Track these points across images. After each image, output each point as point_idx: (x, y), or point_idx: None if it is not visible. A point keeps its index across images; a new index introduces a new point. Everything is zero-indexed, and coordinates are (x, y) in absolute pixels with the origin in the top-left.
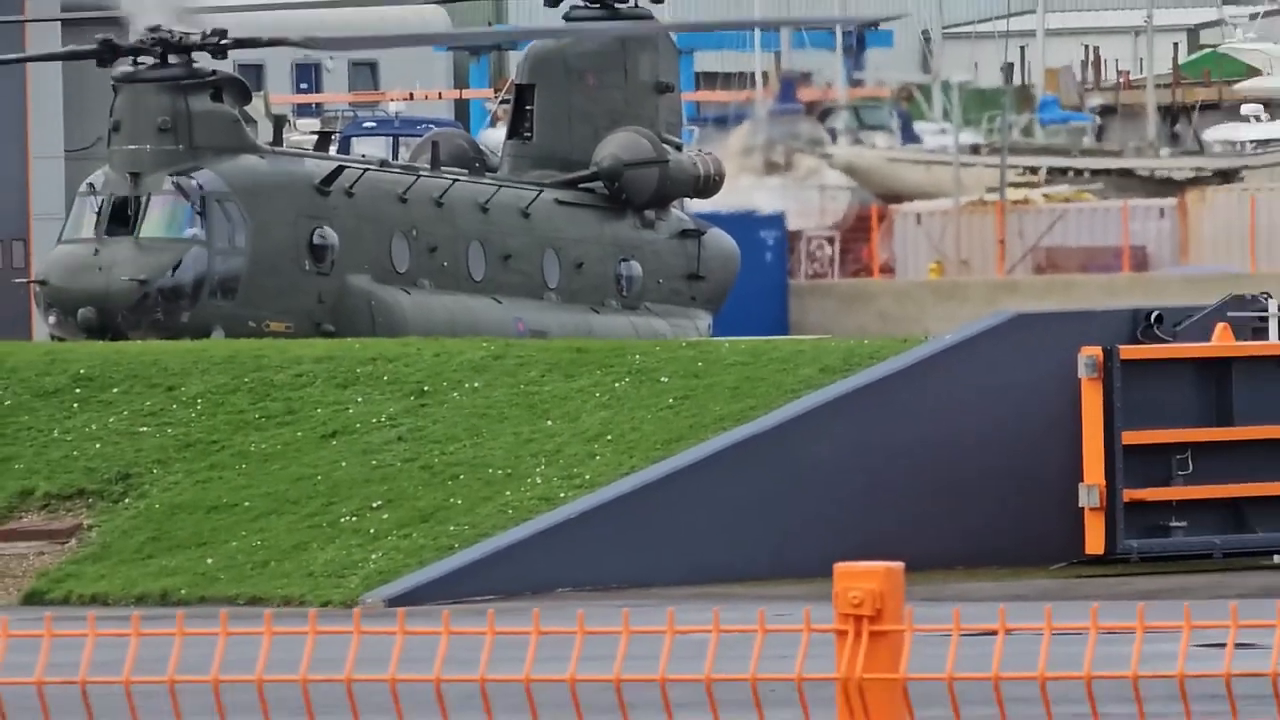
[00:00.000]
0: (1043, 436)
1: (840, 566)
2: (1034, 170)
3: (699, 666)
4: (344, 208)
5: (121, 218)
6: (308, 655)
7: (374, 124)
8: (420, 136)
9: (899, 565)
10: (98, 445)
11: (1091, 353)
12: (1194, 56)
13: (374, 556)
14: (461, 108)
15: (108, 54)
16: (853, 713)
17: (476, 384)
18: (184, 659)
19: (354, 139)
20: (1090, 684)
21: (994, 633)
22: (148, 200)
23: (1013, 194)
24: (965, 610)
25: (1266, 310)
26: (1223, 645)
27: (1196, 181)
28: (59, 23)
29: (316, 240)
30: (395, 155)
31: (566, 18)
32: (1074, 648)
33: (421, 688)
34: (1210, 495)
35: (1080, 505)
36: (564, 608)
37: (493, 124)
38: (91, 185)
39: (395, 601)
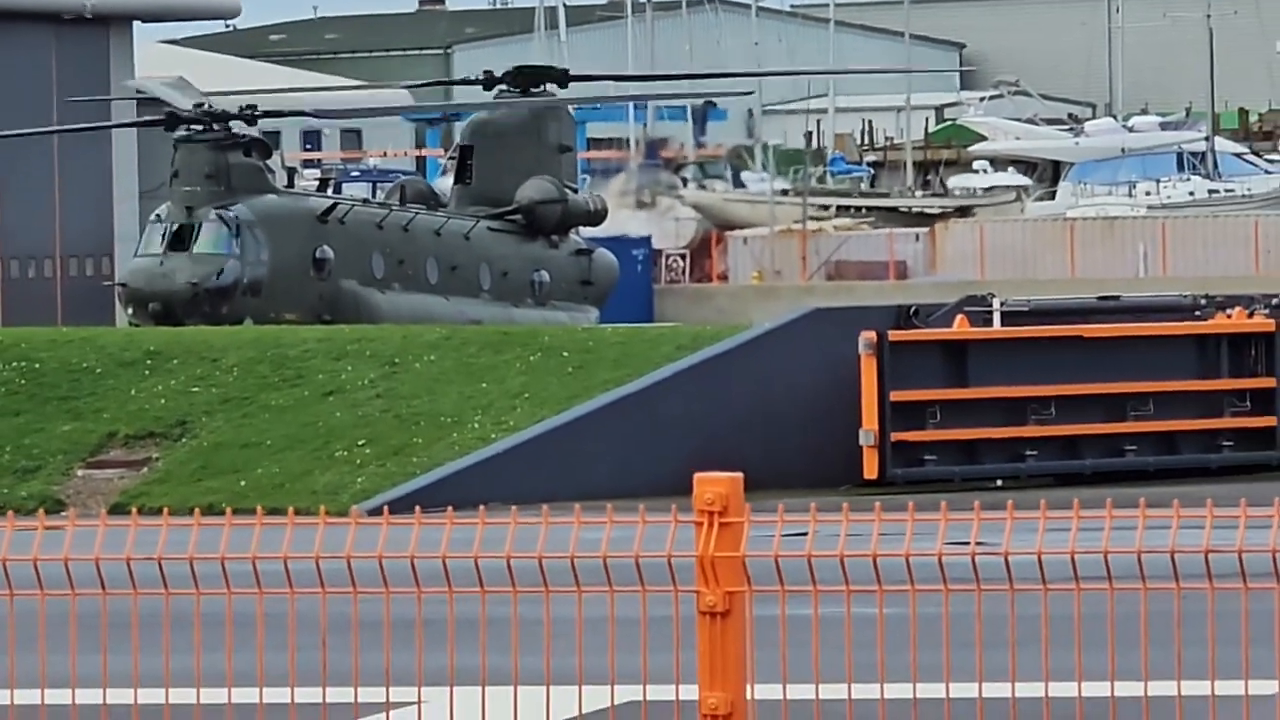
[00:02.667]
0: (834, 395)
1: (699, 475)
2: (826, 207)
3: (597, 550)
4: (338, 232)
5: (180, 239)
6: (319, 539)
7: (359, 174)
8: (391, 183)
9: (740, 475)
10: (163, 400)
11: (869, 336)
12: (940, 127)
13: (359, 480)
14: (421, 162)
15: (170, 122)
16: (707, 581)
17: (432, 357)
18: (229, 544)
19: (344, 184)
20: (876, 562)
21: (805, 531)
22: (199, 227)
23: (812, 224)
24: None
25: (991, 306)
26: (967, 542)
27: (942, 216)
28: (134, 91)
29: (318, 255)
30: (374, 195)
31: (496, 98)
32: (863, 539)
33: (399, 564)
34: (952, 438)
35: (861, 444)
36: (498, 513)
37: (443, 174)
38: (158, 215)
39: (375, 512)
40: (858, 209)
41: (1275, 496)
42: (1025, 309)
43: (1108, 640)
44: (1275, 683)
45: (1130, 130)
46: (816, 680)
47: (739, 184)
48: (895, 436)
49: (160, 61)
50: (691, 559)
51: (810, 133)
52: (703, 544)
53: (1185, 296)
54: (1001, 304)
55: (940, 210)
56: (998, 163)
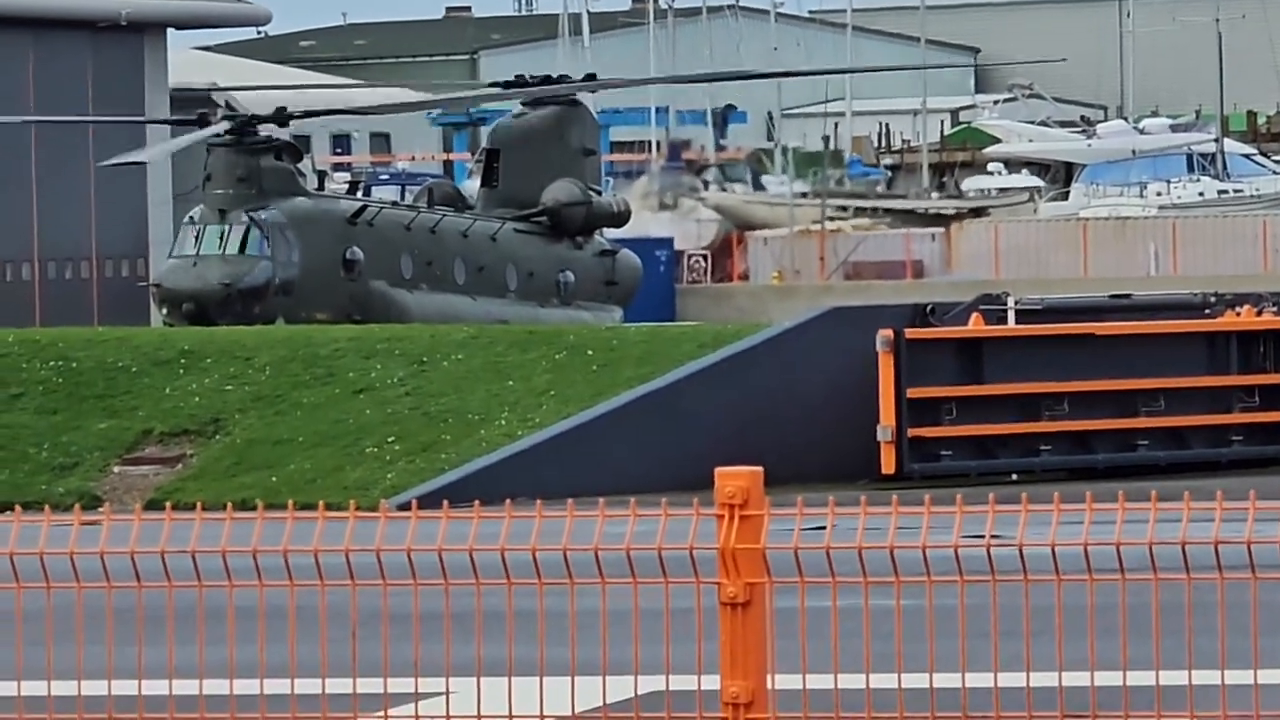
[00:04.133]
0: (852, 391)
1: (720, 470)
2: (844, 208)
3: (621, 543)
4: (367, 234)
5: (212, 241)
6: (349, 533)
7: (387, 177)
8: (420, 186)
9: (760, 469)
10: (197, 399)
11: (886, 334)
12: (955, 130)
13: (389, 475)
14: (448, 166)
15: (202, 123)
16: (728, 573)
17: (460, 356)
18: (262, 538)
19: (374, 187)
20: (893, 554)
21: (824, 525)
22: (230, 229)
23: (830, 225)
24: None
25: (1006, 305)
26: (983, 535)
27: (957, 216)
28: (168, 96)
29: (348, 256)
30: (402, 198)
31: (522, 103)
32: (881, 532)
33: (428, 557)
34: (968, 433)
35: (878, 439)
36: (524, 508)
37: (470, 177)
38: (191, 218)
39: (404, 507)
40: (875, 210)
41: None
42: (1039, 307)
43: (1120, 630)
44: None
45: (1141, 132)
46: (836, 670)
47: (759, 186)
48: (912, 432)
49: (194, 67)
50: (713, 551)
51: (828, 136)
52: (724, 537)
53: (1195, 295)
54: (1016, 302)
55: (955, 211)
56: (1012, 164)
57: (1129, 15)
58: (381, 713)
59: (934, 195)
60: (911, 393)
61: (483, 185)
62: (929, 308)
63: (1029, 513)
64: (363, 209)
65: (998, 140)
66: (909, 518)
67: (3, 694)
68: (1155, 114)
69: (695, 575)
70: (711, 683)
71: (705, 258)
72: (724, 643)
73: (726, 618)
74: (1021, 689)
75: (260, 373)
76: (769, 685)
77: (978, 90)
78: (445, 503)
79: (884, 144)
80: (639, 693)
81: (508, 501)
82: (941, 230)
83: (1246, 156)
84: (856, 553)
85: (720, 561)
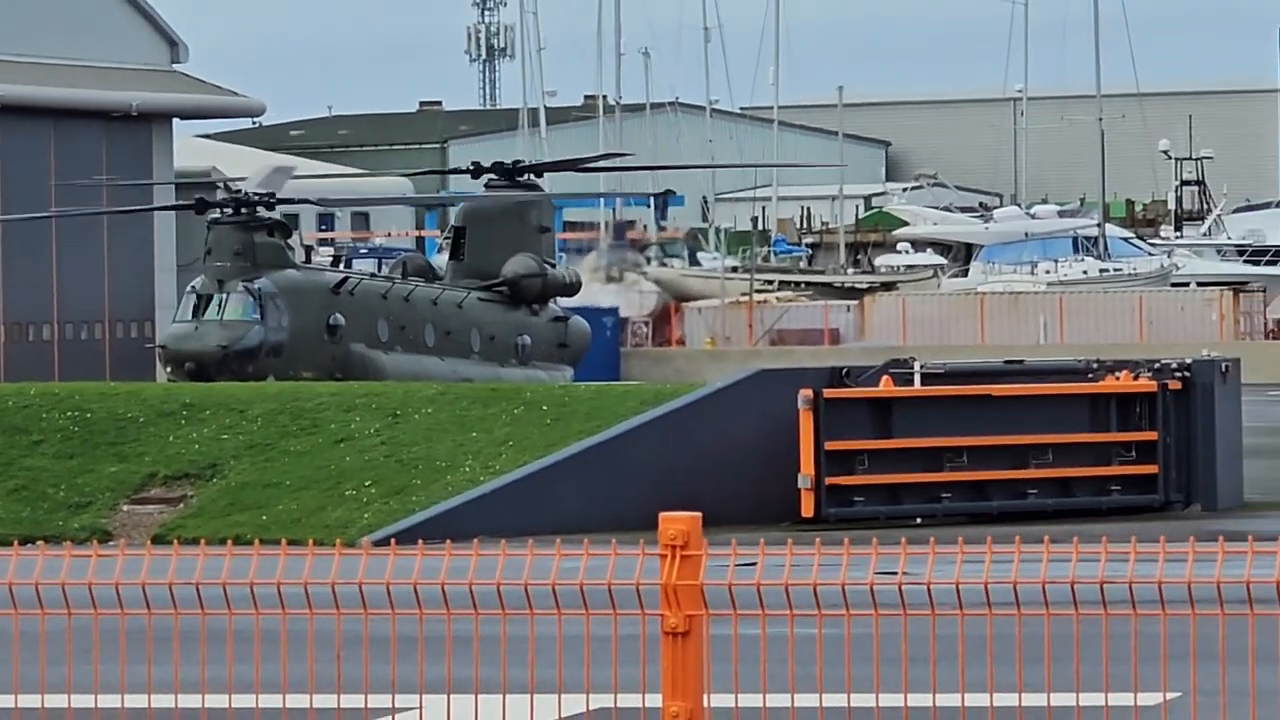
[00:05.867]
0: (776, 444)
1: (664, 515)
2: (770, 282)
3: (575, 578)
4: (348, 302)
5: (212, 308)
6: (335, 567)
7: (366, 251)
8: (395, 259)
9: (699, 514)
10: (196, 445)
11: (807, 393)
12: (869, 213)
13: (366, 515)
14: (420, 241)
15: (200, 207)
16: (670, 605)
17: (429, 409)
18: (257, 571)
19: (354, 260)
20: (816, 589)
21: (755, 563)
22: (228, 297)
23: (758, 297)
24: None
25: (912, 369)
26: (895, 573)
27: (870, 290)
28: (173, 178)
29: (331, 322)
30: (379, 270)
31: (485, 186)
32: (804, 569)
33: (404, 589)
34: (878, 481)
35: (799, 486)
36: (488, 546)
37: (440, 251)
38: (193, 287)
39: (382, 544)
40: (797, 284)
41: (1161, 535)
42: (942, 371)
43: (1016, 658)
44: (1160, 695)
45: (1032, 217)
46: (764, 690)
47: (695, 262)
48: (829, 480)
49: (195, 153)
50: (656, 586)
51: (756, 218)
52: (666, 573)
53: (1080, 361)
54: (921, 367)
55: (868, 285)
56: (918, 244)
57: (1022, 114)
58: None
59: (849, 271)
60: (829, 445)
61: (451, 258)
62: (845, 371)
63: (936, 554)
64: (344, 280)
65: (906, 223)
66: (829, 557)
67: (28, 706)
68: (1045, 201)
69: (641, 607)
70: (655, 701)
71: (647, 325)
72: (665, 667)
73: (668, 645)
74: (928, 709)
75: (253, 424)
76: (705, 704)
77: (888, 179)
78: (420, 541)
79: (805, 225)
80: (590, 709)
81: (475, 540)
82: (856, 302)
83: (1125, 239)
84: (783, 588)
85: (663, 596)
